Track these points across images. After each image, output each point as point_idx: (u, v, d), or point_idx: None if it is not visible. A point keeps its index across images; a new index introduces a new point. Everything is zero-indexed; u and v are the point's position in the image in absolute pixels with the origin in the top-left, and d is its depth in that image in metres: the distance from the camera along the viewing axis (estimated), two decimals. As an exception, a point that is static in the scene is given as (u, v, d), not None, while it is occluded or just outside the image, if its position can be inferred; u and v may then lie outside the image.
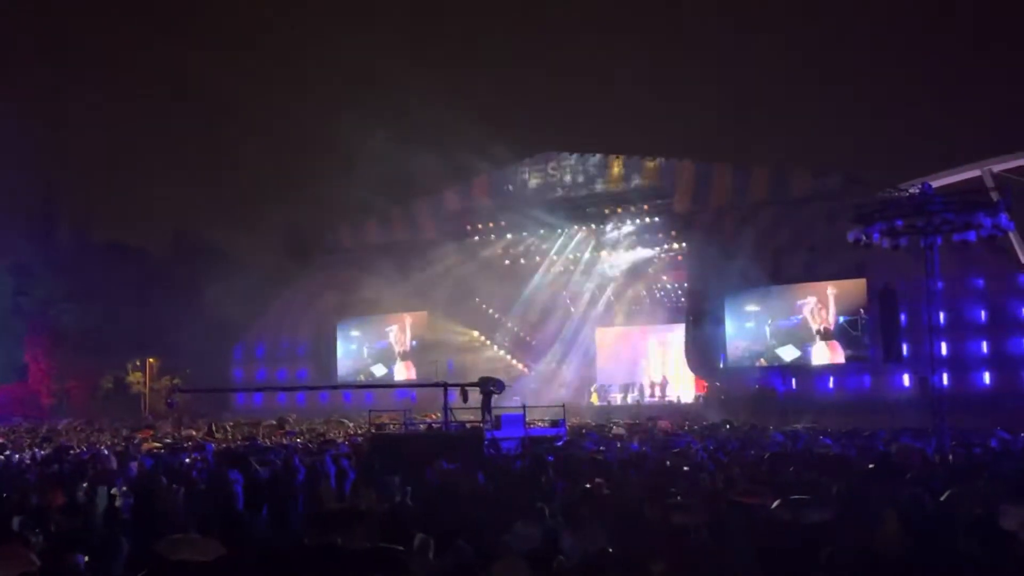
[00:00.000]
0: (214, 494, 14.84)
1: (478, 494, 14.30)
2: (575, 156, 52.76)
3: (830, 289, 44.13)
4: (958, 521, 10.70)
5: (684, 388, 51.05)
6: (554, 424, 26.67)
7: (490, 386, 24.56)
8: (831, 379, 44.13)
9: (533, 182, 53.63)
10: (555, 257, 54.89)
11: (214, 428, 36.21)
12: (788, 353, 45.13)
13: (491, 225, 54.21)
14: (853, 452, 20.50)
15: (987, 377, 40.85)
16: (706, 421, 36.95)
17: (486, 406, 24.26)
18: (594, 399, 51.30)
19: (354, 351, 59.43)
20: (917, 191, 37.37)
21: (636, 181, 51.06)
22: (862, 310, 43.12)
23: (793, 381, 44.47)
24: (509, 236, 54.43)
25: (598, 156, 52.22)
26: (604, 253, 53.43)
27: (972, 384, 40.53)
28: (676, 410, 45.54)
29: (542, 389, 50.50)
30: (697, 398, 48.55)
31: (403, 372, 56.91)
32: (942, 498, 11.75)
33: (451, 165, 53.08)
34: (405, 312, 56.83)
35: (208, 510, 13.45)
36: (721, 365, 47.07)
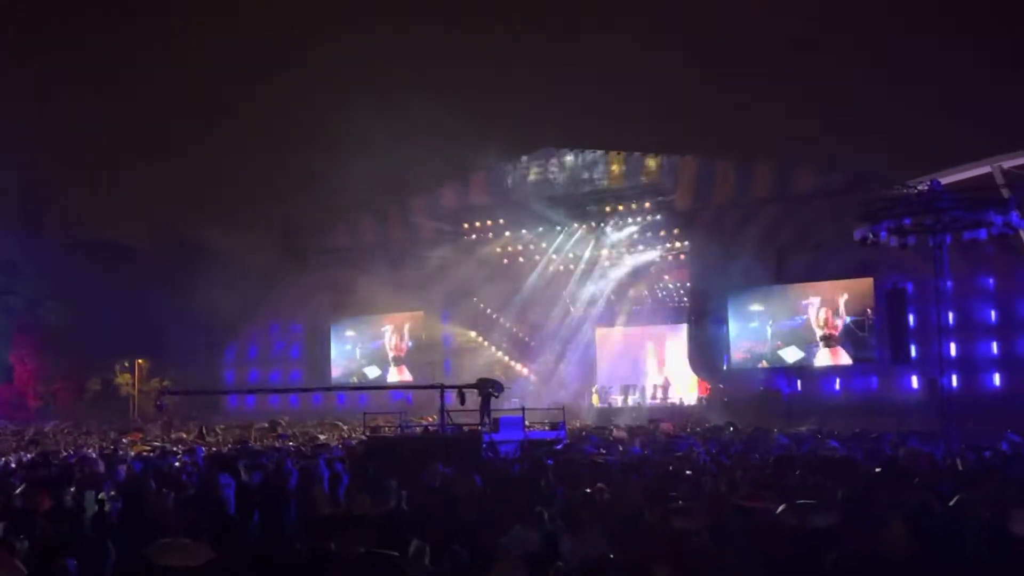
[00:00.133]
0: (204, 498, 14.83)
1: (475, 498, 14.31)
2: (575, 153, 52.74)
3: (836, 289, 44.11)
4: (967, 527, 10.71)
5: (686, 390, 51.07)
6: (554, 427, 26.66)
7: (488, 388, 24.59)
8: (837, 381, 44.14)
9: (532, 179, 53.59)
10: (554, 256, 54.85)
11: (205, 431, 36.23)
12: (791, 355, 45.11)
13: (489, 223, 54.17)
14: (859, 455, 20.50)
15: (997, 379, 40.86)
16: (709, 423, 36.96)
17: (484, 408, 24.28)
18: (595, 401, 51.31)
19: (348, 352, 59.43)
20: (925, 188, 37.50)
21: (637, 178, 51.05)
22: (869, 310, 43.12)
23: (798, 383, 44.49)
24: (507, 234, 54.40)
25: (598, 153, 52.20)
26: (604, 252, 53.42)
27: (982, 386, 40.55)
28: (678, 412, 45.58)
29: (541, 391, 50.55)
30: (700, 400, 48.57)
31: (396, 376, 56.91)
32: (951, 503, 11.75)
33: (448, 162, 53.07)
34: (401, 312, 56.83)
35: (198, 515, 13.43)
36: (724, 366, 47.07)
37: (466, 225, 54.84)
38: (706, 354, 47.44)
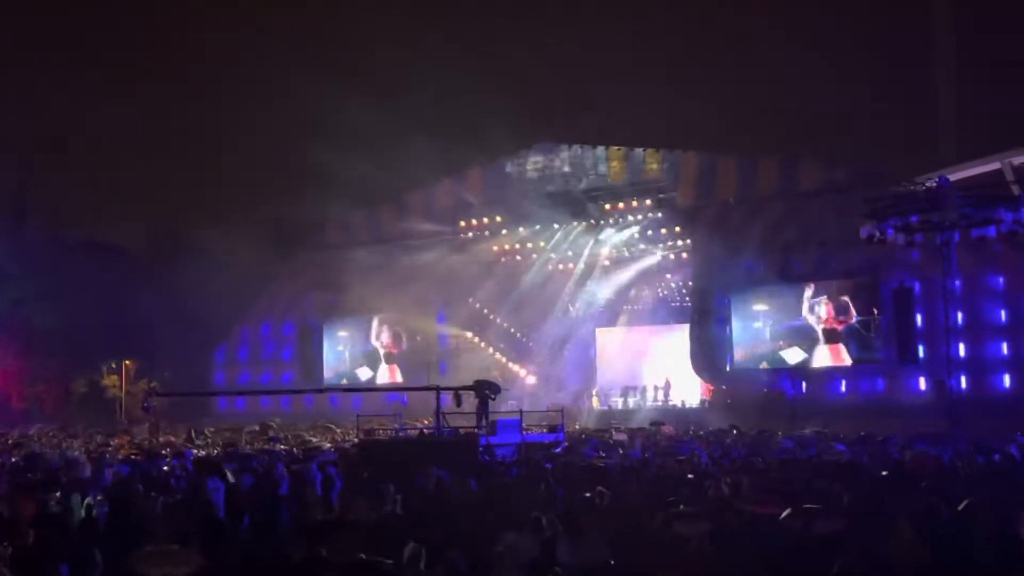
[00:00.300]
0: (193, 503, 14.82)
1: (472, 503, 14.32)
2: (574, 148, 52.69)
3: (841, 288, 44.09)
4: (976, 532, 10.72)
5: (688, 391, 51.08)
6: (552, 429, 26.69)
7: (485, 390, 24.63)
8: (843, 382, 44.12)
9: (530, 175, 53.54)
10: (553, 255, 54.83)
11: (193, 434, 36.20)
12: (793, 355, 45.07)
13: (485, 220, 54.12)
14: (865, 459, 20.54)
15: (1007, 380, 40.83)
16: (711, 426, 36.97)
17: (482, 411, 24.33)
18: (594, 403, 51.28)
19: (341, 353, 59.42)
20: (933, 185, 37.63)
21: (638, 175, 51.01)
22: (875, 310, 43.10)
23: (803, 384, 44.49)
24: (504, 232, 54.33)
25: (598, 148, 52.14)
26: (604, 250, 53.38)
27: (991, 388, 40.52)
28: (680, 414, 45.58)
29: (540, 393, 50.54)
30: (702, 402, 48.55)
31: (386, 376, 56.89)
32: (959, 507, 11.76)
33: (443, 158, 53.02)
34: (395, 312, 56.79)
35: (187, 520, 13.42)
36: (727, 367, 47.06)
37: (462, 223, 54.78)
38: (708, 355, 47.41)
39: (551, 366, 54.72)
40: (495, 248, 55.26)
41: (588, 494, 13.78)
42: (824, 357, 44.50)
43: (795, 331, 45.15)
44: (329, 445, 28.86)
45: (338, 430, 37.94)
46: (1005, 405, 37.41)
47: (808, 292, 44.68)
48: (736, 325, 46.86)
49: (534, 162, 53.47)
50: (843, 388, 44.05)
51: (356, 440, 28.70)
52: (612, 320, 56.47)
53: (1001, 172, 43.01)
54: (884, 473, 17.22)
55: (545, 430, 27.14)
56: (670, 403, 49.60)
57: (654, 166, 50.61)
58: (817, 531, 10.81)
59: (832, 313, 44.27)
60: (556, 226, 52.82)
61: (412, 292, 54.91)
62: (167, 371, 58.52)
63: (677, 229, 50.37)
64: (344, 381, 57.13)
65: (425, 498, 14.98)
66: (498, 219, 53.65)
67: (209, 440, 35.12)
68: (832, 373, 44.29)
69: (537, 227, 53.17)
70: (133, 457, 24.81)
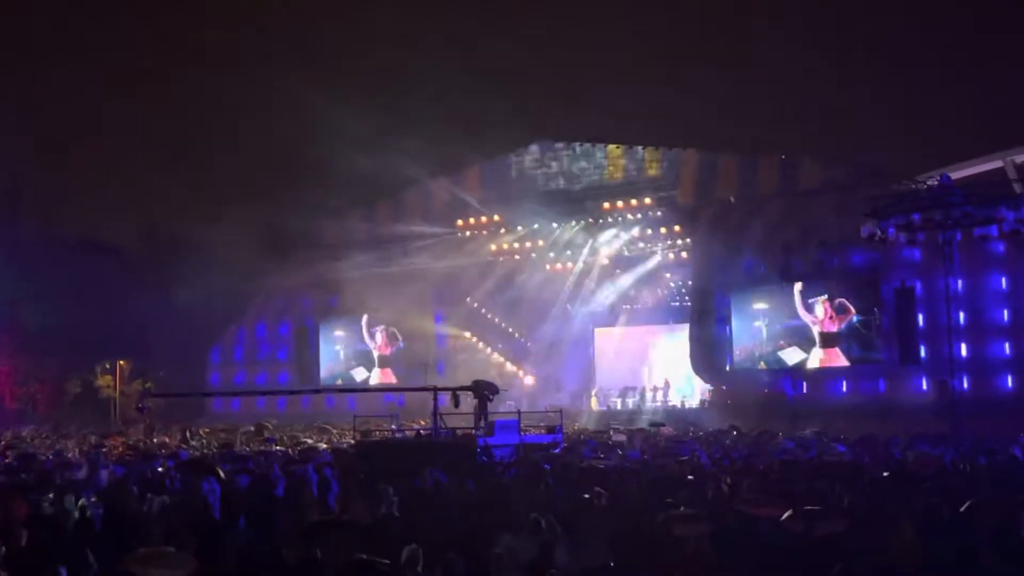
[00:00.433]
0: (188, 504, 14.82)
1: (470, 504, 14.32)
2: (573, 146, 52.66)
3: (841, 287, 44.05)
4: (978, 533, 10.73)
5: (688, 392, 51.11)
6: (550, 430, 26.69)
7: (484, 390, 24.63)
8: (844, 383, 44.12)
9: (528, 174, 53.52)
10: (552, 254, 54.83)
11: (188, 435, 36.17)
12: (793, 356, 45.03)
13: (484, 219, 54.10)
14: (867, 460, 20.56)
15: (1009, 381, 40.85)
16: (711, 427, 36.98)
17: (481, 411, 24.34)
18: (593, 404, 51.29)
19: (337, 353, 59.41)
20: (935, 183, 37.66)
21: (637, 173, 50.99)
22: (876, 309, 43.09)
23: (803, 385, 44.50)
24: (503, 231, 54.32)
25: (597, 146, 52.13)
26: (603, 249, 53.37)
27: (993, 388, 40.51)
28: (680, 415, 45.58)
29: (538, 393, 50.55)
30: (702, 402, 48.57)
31: (378, 379, 56.84)
32: (961, 509, 11.78)
33: (441, 155, 52.98)
34: (392, 312, 56.77)
35: (182, 521, 13.42)
36: (727, 367, 47.06)
37: (460, 222, 54.74)
38: (708, 355, 47.40)
39: (550, 366, 54.70)
40: (493, 248, 55.24)
41: (587, 495, 13.78)
42: (818, 359, 44.46)
43: (795, 331, 45.10)
44: (325, 446, 28.85)
45: (334, 431, 37.91)
46: (1007, 406, 37.41)
47: (797, 289, 44.56)
48: (736, 325, 46.81)
49: (532, 161, 53.44)
50: (844, 388, 44.04)
51: (353, 441, 28.71)
52: (611, 320, 56.47)
53: (1003, 170, 43.00)
54: (885, 474, 17.25)
55: (543, 431, 27.13)
56: (669, 403, 49.61)
57: (654, 165, 50.58)
58: (818, 532, 10.82)
59: (829, 313, 44.23)
60: (555, 225, 52.77)
61: (409, 292, 54.89)
62: (162, 371, 58.54)
63: (677, 228, 50.36)
64: (339, 381, 57.13)
65: (423, 499, 14.98)
66: (496, 218, 53.63)
67: (204, 441, 35.09)
68: (833, 373, 44.26)
69: (535, 226, 53.13)
70: (128, 458, 24.82)
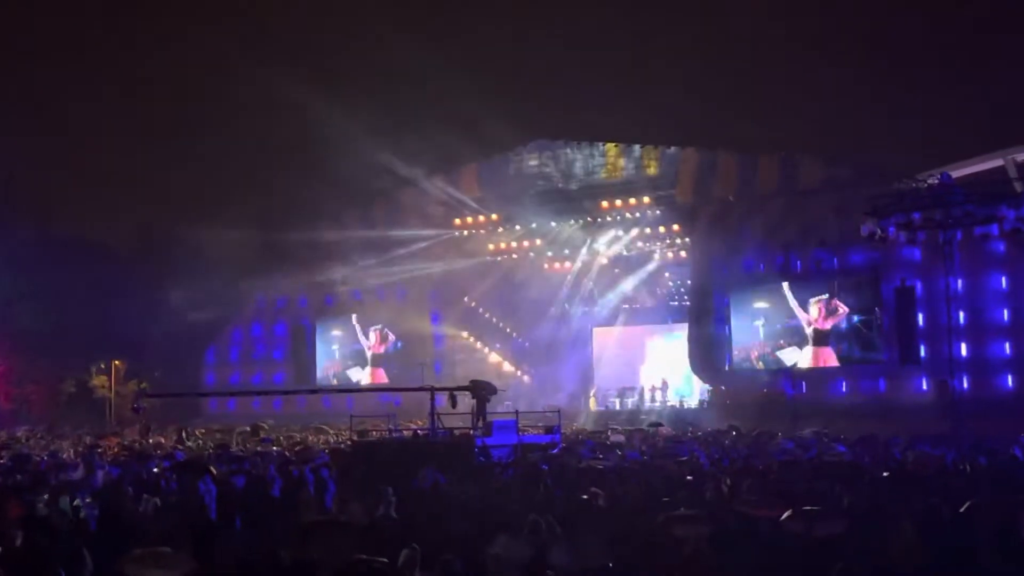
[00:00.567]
0: (184, 505, 14.83)
1: (467, 505, 14.33)
2: (571, 145, 52.65)
3: (841, 286, 44.07)
4: (979, 533, 10.75)
5: (687, 392, 51.15)
6: (549, 431, 26.69)
7: (482, 390, 24.64)
8: (844, 383, 44.16)
9: (526, 172, 53.51)
10: (550, 252, 54.83)
11: (184, 435, 36.16)
12: (792, 355, 45.05)
13: (481, 219, 54.10)
14: (867, 460, 20.58)
15: (1010, 381, 40.89)
16: (710, 427, 37.00)
17: (479, 411, 24.34)
18: (592, 404, 51.31)
19: (334, 353, 59.42)
20: (935, 182, 37.66)
21: (636, 171, 51.00)
22: (877, 309, 43.12)
23: (803, 385, 44.52)
24: (500, 230, 54.34)
25: (595, 145, 52.13)
26: (602, 248, 53.38)
27: (994, 388, 40.55)
28: (679, 415, 45.60)
29: (536, 393, 50.52)
30: (701, 403, 48.61)
31: (369, 379, 56.83)
32: (961, 509, 11.79)
33: (439, 154, 52.96)
34: (389, 311, 56.78)
35: (178, 522, 13.43)
36: (726, 367, 47.08)
37: (457, 221, 54.76)
38: (707, 354, 47.44)
39: (548, 366, 54.66)
40: (491, 247, 55.27)
41: (585, 496, 13.80)
42: (809, 357, 44.49)
43: (794, 331, 45.14)
44: (322, 446, 28.84)
45: (331, 431, 37.91)
46: (1007, 406, 37.44)
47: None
48: (735, 325, 46.83)
49: (531, 159, 53.43)
50: (844, 388, 44.09)
51: (350, 441, 28.71)
52: (610, 319, 56.49)
53: (1004, 169, 42.98)
54: (885, 474, 17.27)
55: (542, 431, 27.14)
56: (668, 404, 49.64)
57: (652, 164, 50.60)
58: (818, 533, 10.83)
59: (823, 313, 44.23)
60: (553, 224, 52.79)
61: (407, 291, 54.92)
62: (157, 371, 58.50)
63: (676, 227, 50.39)
64: (335, 381, 57.14)
65: (420, 500, 14.99)
66: (494, 217, 53.63)
67: (200, 441, 35.08)
68: (833, 373, 44.31)
69: (533, 225, 53.15)
70: (123, 458, 24.82)
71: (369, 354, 57.91)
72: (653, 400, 50.59)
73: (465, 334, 57.05)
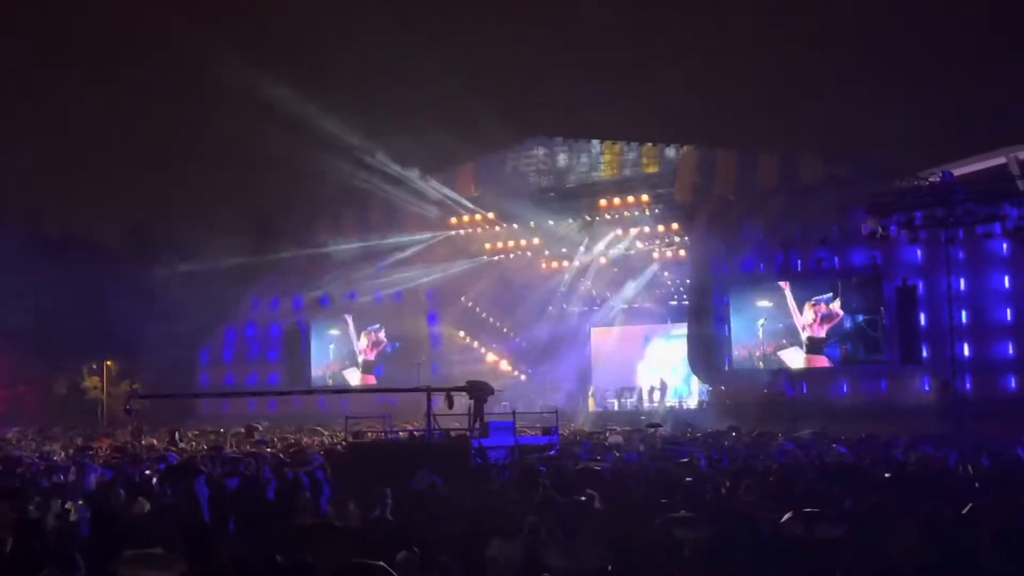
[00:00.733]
0: (177, 507, 14.81)
1: (464, 506, 14.32)
2: (568, 142, 52.62)
3: (841, 285, 44.06)
4: (982, 535, 10.74)
5: (685, 392, 51.16)
6: (546, 431, 26.66)
7: (479, 391, 24.63)
8: (845, 383, 44.17)
9: (523, 171, 53.47)
10: (547, 251, 54.81)
11: (177, 437, 36.13)
12: (792, 355, 45.05)
13: (478, 218, 54.07)
14: (868, 461, 20.59)
15: (1013, 381, 40.92)
16: (710, 427, 36.99)
17: (476, 412, 24.32)
18: (590, 404, 51.31)
19: (328, 354, 59.41)
20: (937, 180, 37.73)
21: (634, 169, 50.97)
22: (882, 309, 43.10)
23: (804, 385, 44.53)
24: (497, 229, 54.31)
25: (593, 142, 52.10)
26: (600, 247, 53.34)
27: (997, 389, 40.58)
28: (678, 416, 45.59)
29: (534, 394, 50.49)
30: (700, 403, 48.61)
31: (358, 381, 56.82)
32: (964, 511, 11.78)
33: (436, 152, 52.94)
34: (385, 311, 56.77)
35: (171, 524, 13.41)
36: (726, 367, 47.08)
37: (454, 220, 54.70)
38: (706, 354, 47.42)
39: (545, 366, 54.65)
40: (488, 246, 55.23)
41: (583, 498, 13.79)
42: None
43: (795, 330, 45.13)
44: (317, 448, 28.82)
45: (326, 433, 37.89)
46: (1011, 407, 37.47)
47: (809, 291, 44.59)
48: (735, 324, 46.82)
49: (528, 157, 53.39)
50: (845, 389, 44.10)
51: (345, 443, 28.68)
52: (607, 319, 56.46)
53: (1007, 167, 43.01)
54: (887, 476, 17.27)
55: (539, 432, 27.12)
56: (667, 404, 49.64)
57: (651, 162, 50.57)
58: (819, 535, 10.83)
59: (817, 319, 44.21)
60: (550, 223, 52.74)
61: (403, 291, 54.88)
62: (150, 372, 58.43)
63: (674, 226, 50.30)
64: (330, 382, 57.15)
65: (416, 502, 14.98)
66: (491, 216, 53.57)
67: (193, 443, 35.07)
68: (834, 373, 44.32)
69: (531, 224, 53.09)
70: (116, 460, 24.79)
71: (360, 359, 57.92)
72: (652, 401, 50.61)
73: (462, 334, 57.03)
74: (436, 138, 51.54)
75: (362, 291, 56.80)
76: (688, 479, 16.72)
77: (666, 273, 54.77)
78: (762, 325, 45.94)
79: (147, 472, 20.41)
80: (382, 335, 57.57)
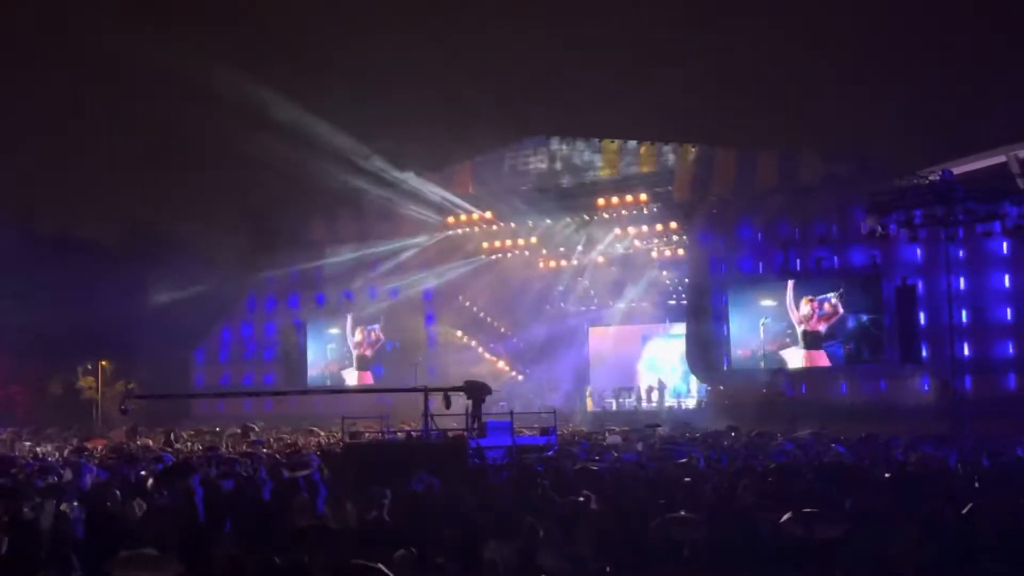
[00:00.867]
0: (173, 509, 14.79)
1: (461, 507, 14.31)
2: (566, 141, 52.61)
3: (841, 285, 44.06)
4: (982, 536, 10.76)
5: (684, 392, 51.16)
6: (544, 432, 26.66)
7: (476, 391, 24.63)
8: (844, 383, 44.19)
9: (520, 169, 53.46)
10: (545, 250, 54.79)
11: (173, 437, 36.13)
12: (792, 355, 45.08)
13: (475, 217, 54.06)
14: (868, 461, 20.60)
15: (1013, 381, 40.94)
16: (709, 427, 36.97)
17: (475, 412, 24.31)
18: (588, 404, 51.31)
19: (325, 353, 59.38)
20: (937, 178, 37.75)
21: (632, 168, 50.96)
22: (880, 307, 43.11)
23: (803, 384, 44.55)
24: (495, 228, 54.30)
25: (591, 141, 52.09)
26: (598, 246, 53.33)
27: (996, 389, 40.60)
28: (676, 416, 45.60)
29: (532, 394, 50.49)
30: (699, 403, 48.63)
31: (355, 380, 56.78)
32: (964, 511, 11.79)
33: (433, 151, 52.92)
34: (382, 311, 56.75)
35: (166, 525, 13.40)
36: (725, 367, 47.09)
37: (451, 219, 54.69)
38: (705, 354, 47.44)
39: (543, 366, 54.69)
40: (485, 245, 55.22)
41: (581, 499, 13.79)
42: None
43: (793, 329, 45.14)
44: (313, 449, 28.81)
45: (323, 433, 37.88)
46: (1011, 406, 37.48)
47: (809, 290, 44.58)
48: (734, 323, 46.81)
49: (525, 156, 53.38)
50: (844, 388, 44.11)
51: (342, 443, 28.66)
52: (606, 318, 56.46)
53: (1007, 165, 43.06)
54: (887, 476, 17.28)
55: (537, 432, 27.11)
56: (665, 404, 49.65)
57: (650, 159, 50.57)
58: (818, 536, 10.83)
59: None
60: (548, 222, 52.74)
61: (400, 291, 54.86)
62: (145, 372, 58.42)
63: (673, 225, 50.31)
64: (329, 382, 57.12)
65: (413, 503, 14.97)
66: (488, 215, 53.56)
67: (189, 443, 35.06)
68: (834, 373, 44.32)
69: (529, 223, 53.07)
70: (111, 461, 24.76)
71: (355, 354, 57.90)
72: (650, 400, 50.61)
73: (459, 334, 57.02)
74: (433, 137, 51.54)
75: (358, 291, 56.80)
76: (687, 479, 16.71)
77: (664, 273, 54.76)
78: (763, 324, 45.90)
79: (143, 473, 20.38)
80: (379, 334, 57.51)
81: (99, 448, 32.01)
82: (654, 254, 53.72)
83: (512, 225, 53.64)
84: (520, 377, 55.40)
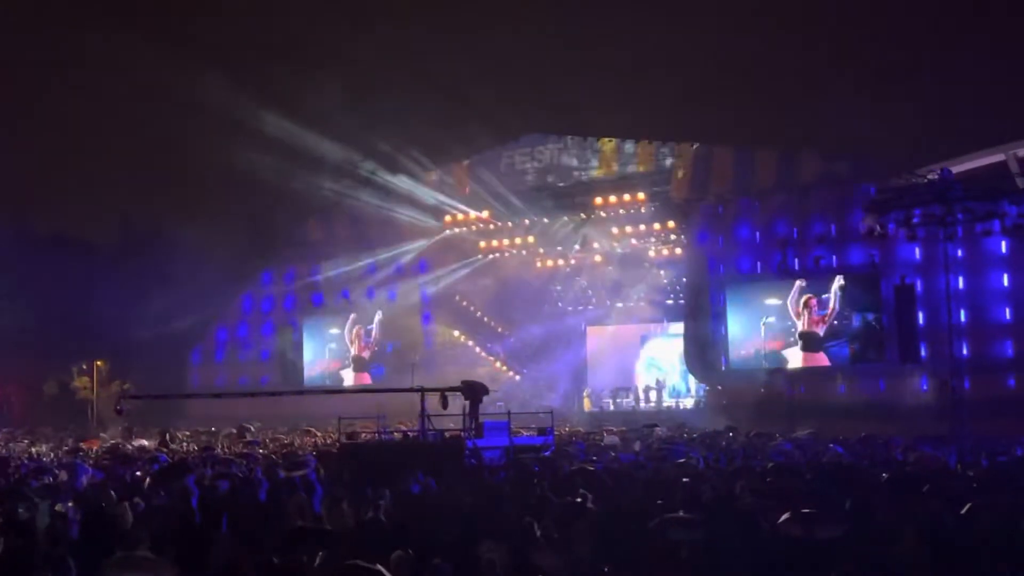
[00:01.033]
0: (168, 510, 14.78)
1: (458, 508, 14.31)
2: (563, 140, 52.62)
3: (840, 284, 44.07)
4: (981, 536, 10.75)
5: (682, 391, 51.15)
6: (541, 432, 26.66)
7: (473, 391, 24.63)
8: (843, 383, 44.17)
9: (518, 168, 53.46)
10: (542, 249, 54.79)
11: (168, 438, 36.13)
12: (792, 355, 45.08)
13: (472, 215, 54.07)
14: (867, 461, 20.61)
15: (1012, 381, 40.93)
16: (707, 428, 36.99)
17: (472, 413, 24.32)
18: (586, 404, 51.30)
19: (321, 354, 59.35)
20: (936, 177, 37.72)
21: (630, 166, 50.99)
22: (879, 306, 43.11)
23: (802, 384, 44.53)
24: (492, 227, 54.30)
25: (588, 139, 52.10)
26: (595, 245, 53.34)
27: (996, 388, 40.56)
28: (674, 416, 45.60)
29: (529, 394, 50.49)
30: (697, 403, 48.62)
31: (352, 380, 56.77)
32: (963, 511, 11.79)
33: (430, 150, 52.91)
34: (378, 311, 56.73)
35: (162, 527, 13.38)
36: (723, 366, 47.07)
37: (448, 218, 54.71)
38: (703, 353, 47.41)
39: (541, 366, 54.69)
40: (483, 244, 55.22)
41: (578, 499, 13.78)
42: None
43: (792, 329, 45.14)
44: (310, 449, 28.81)
45: (319, 433, 37.87)
46: (1010, 406, 37.50)
47: (808, 289, 44.58)
48: (732, 323, 46.79)
49: (523, 155, 53.38)
50: (843, 388, 44.08)
51: (338, 443, 28.67)
52: (603, 318, 56.44)
53: (1005, 164, 43.05)
54: (886, 476, 17.28)
55: (535, 432, 27.12)
56: (663, 404, 49.64)
57: (647, 158, 50.59)
58: (817, 536, 10.83)
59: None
60: (546, 221, 52.76)
61: (397, 290, 54.83)
62: (141, 372, 58.35)
63: (671, 224, 50.32)
64: (327, 382, 57.08)
65: (410, 504, 14.96)
66: (485, 214, 53.57)
67: (185, 444, 35.06)
68: (833, 373, 44.31)
69: (526, 222, 53.10)
70: (105, 462, 24.76)
71: (353, 354, 57.88)
72: (648, 400, 50.62)
73: (457, 334, 57.02)
74: (430, 135, 51.53)
75: (355, 291, 56.79)
76: (685, 480, 16.71)
77: (662, 272, 54.73)
78: (764, 324, 45.83)
79: (138, 473, 20.39)
80: (377, 334, 57.48)
81: (94, 448, 32.02)
82: (652, 253, 53.70)
83: (509, 225, 53.67)
84: (517, 377, 55.37)
